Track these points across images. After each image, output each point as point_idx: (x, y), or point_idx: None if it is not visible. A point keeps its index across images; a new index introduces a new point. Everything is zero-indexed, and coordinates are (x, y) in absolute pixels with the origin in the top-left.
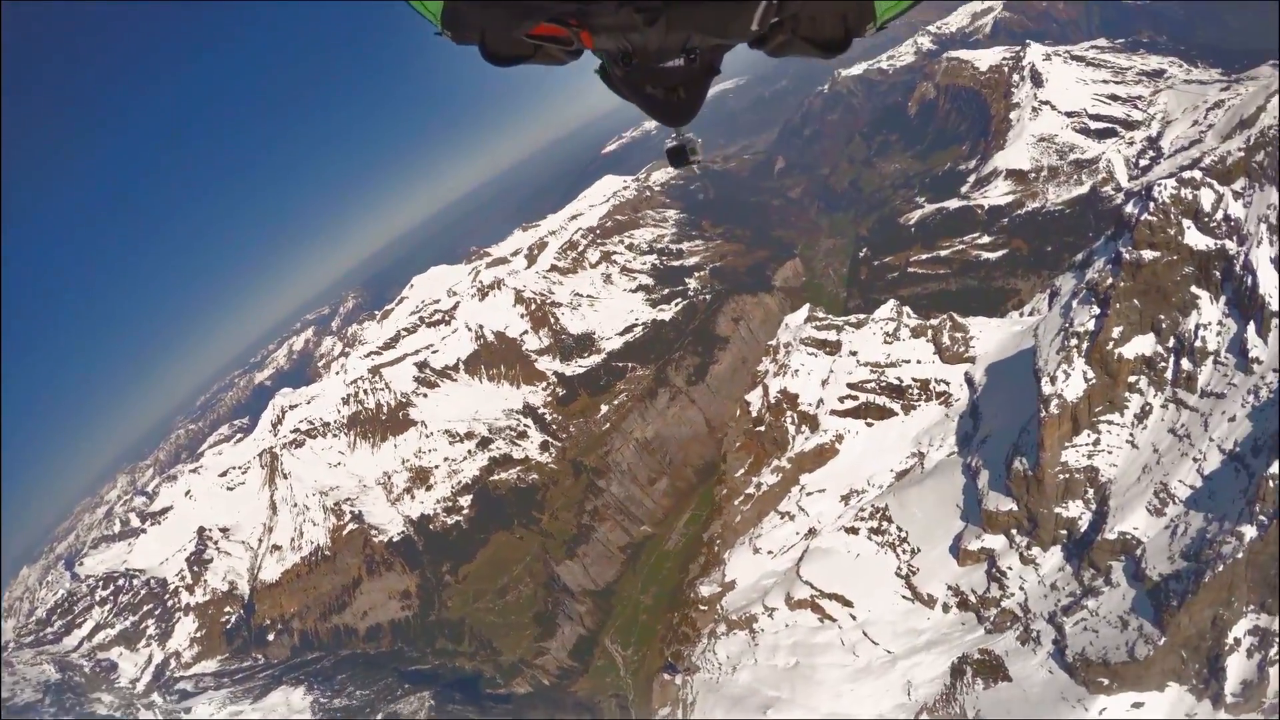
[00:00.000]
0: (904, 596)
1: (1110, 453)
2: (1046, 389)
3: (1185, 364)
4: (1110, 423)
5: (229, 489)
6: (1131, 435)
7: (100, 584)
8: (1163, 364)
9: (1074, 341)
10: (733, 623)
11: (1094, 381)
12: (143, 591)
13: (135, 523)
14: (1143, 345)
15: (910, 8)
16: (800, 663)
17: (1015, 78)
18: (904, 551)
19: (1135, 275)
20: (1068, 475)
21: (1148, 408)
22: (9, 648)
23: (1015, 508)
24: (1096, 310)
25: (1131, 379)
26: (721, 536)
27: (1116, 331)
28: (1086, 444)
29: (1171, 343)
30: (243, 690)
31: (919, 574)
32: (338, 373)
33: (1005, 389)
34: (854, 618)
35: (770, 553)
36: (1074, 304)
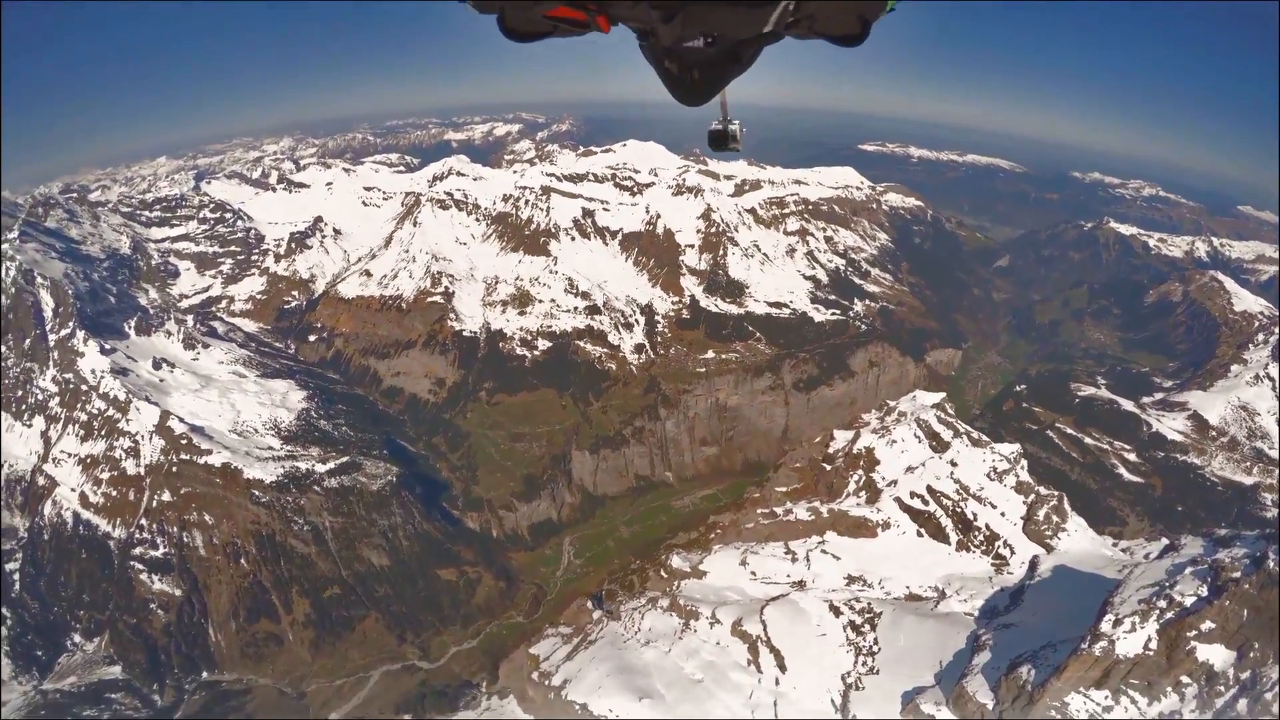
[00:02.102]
0: (833, 701)
1: None
2: (1104, 626)
3: (1242, 705)
4: (1134, 703)
5: (364, 204)
6: None
7: (211, 206)
8: (1221, 686)
9: (1162, 604)
10: (677, 606)
11: (1151, 654)
12: (240, 234)
13: (273, 180)
14: (1218, 656)
15: None
16: (704, 682)
17: (1260, 337)
18: (864, 664)
19: (1264, 590)
20: (1061, 717)
21: (1177, 716)
22: (109, 204)
23: (990, 706)
24: (1205, 592)
25: (1184, 679)
26: (724, 529)
27: (1206, 625)
28: (1099, 703)
29: (1246, 675)
30: (258, 361)
31: (861, 693)
32: (515, 172)
33: (1059, 597)
34: (778, 682)
35: (753, 574)
36: (1187, 570)
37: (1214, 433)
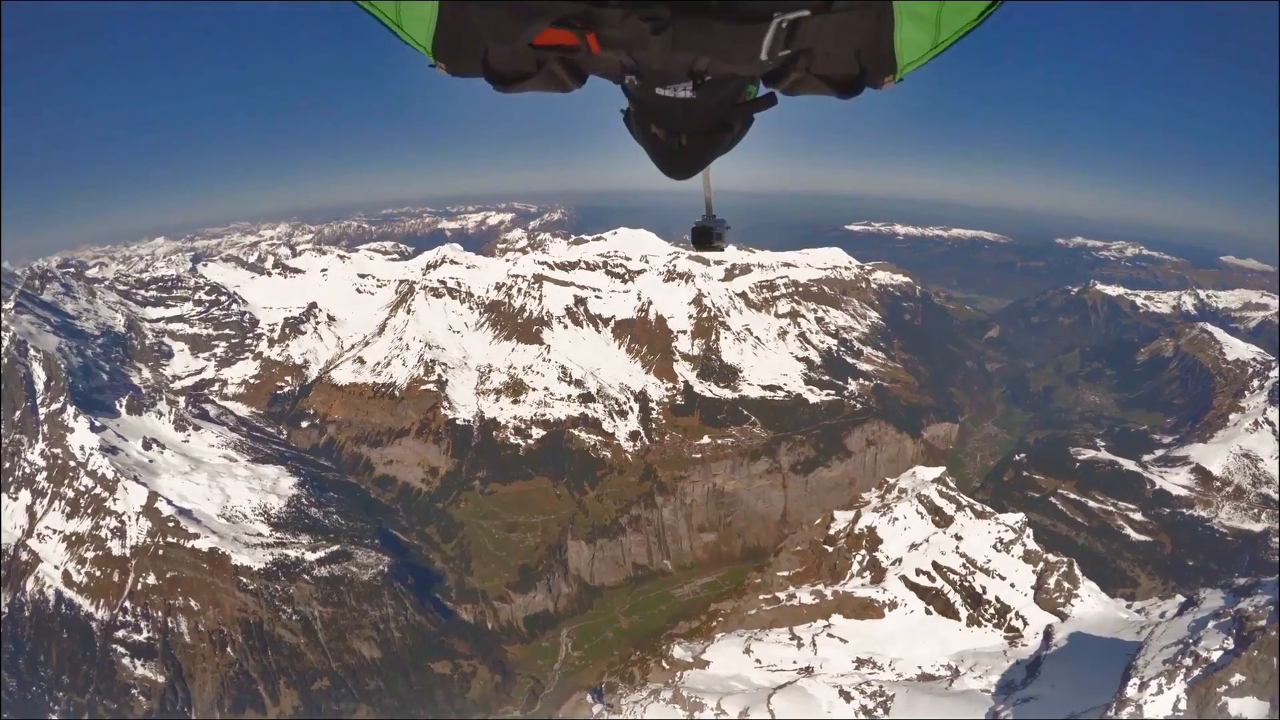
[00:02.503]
0: None
1: None
2: (1130, 692)
3: None
4: None
5: (358, 291)
6: None
7: (208, 289)
8: None
9: (1188, 662)
10: (680, 698)
11: (1181, 715)
12: (235, 318)
13: (269, 264)
14: (1251, 709)
15: (932, 58)
16: None
17: (1255, 383)
18: None
19: None
20: None
21: None
22: (105, 281)
23: None
24: (1231, 645)
25: None
26: (726, 617)
27: (1236, 680)
28: None
29: None
30: (250, 446)
31: None
32: (508, 261)
33: (1078, 666)
34: None
35: (758, 661)
36: (1210, 625)
37: (1218, 483)
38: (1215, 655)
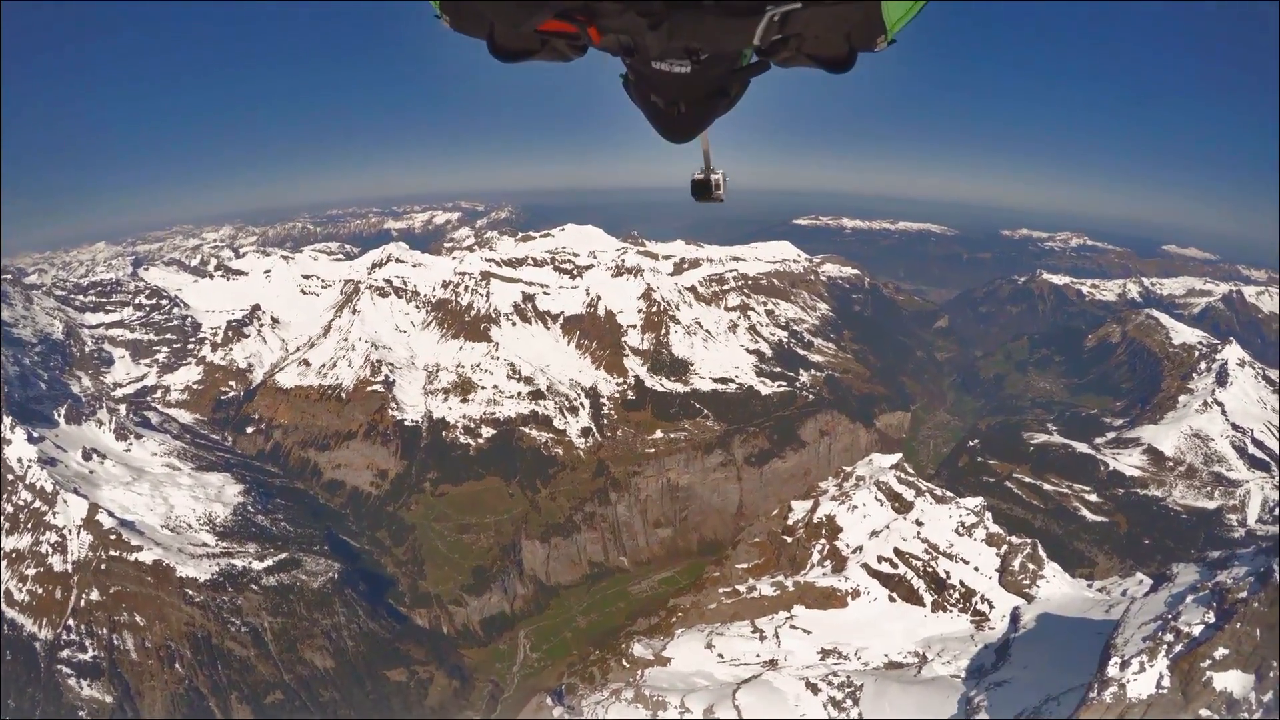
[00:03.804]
0: None
1: None
2: (1112, 671)
3: None
4: None
5: (303, 292)
6: None
7: (148, 293)
8: (1244, 713)
9: (1169, 638)
10: (642, 697)
11: (1166, 692)
12: (176, 322)
13: (211, 267)
14: (1236, 683)
15: (919, 9)
16: None
17: (1202, 365)
18: None
19: (1274, 606)
20: None
21: None
22: (43, 287)
23: None
24: (1212, 618)
25: (1204, 713)
26: (685, 612)
27: (1219, 654)
28: None
29: (1269, 697)
30: (193, 454)
31: None
32: (455, 259)
33: (1048, 647)
34: None
35: (721, 656)
36: (1189, 599)
37: (1171, 463)
38: (1196, 630)
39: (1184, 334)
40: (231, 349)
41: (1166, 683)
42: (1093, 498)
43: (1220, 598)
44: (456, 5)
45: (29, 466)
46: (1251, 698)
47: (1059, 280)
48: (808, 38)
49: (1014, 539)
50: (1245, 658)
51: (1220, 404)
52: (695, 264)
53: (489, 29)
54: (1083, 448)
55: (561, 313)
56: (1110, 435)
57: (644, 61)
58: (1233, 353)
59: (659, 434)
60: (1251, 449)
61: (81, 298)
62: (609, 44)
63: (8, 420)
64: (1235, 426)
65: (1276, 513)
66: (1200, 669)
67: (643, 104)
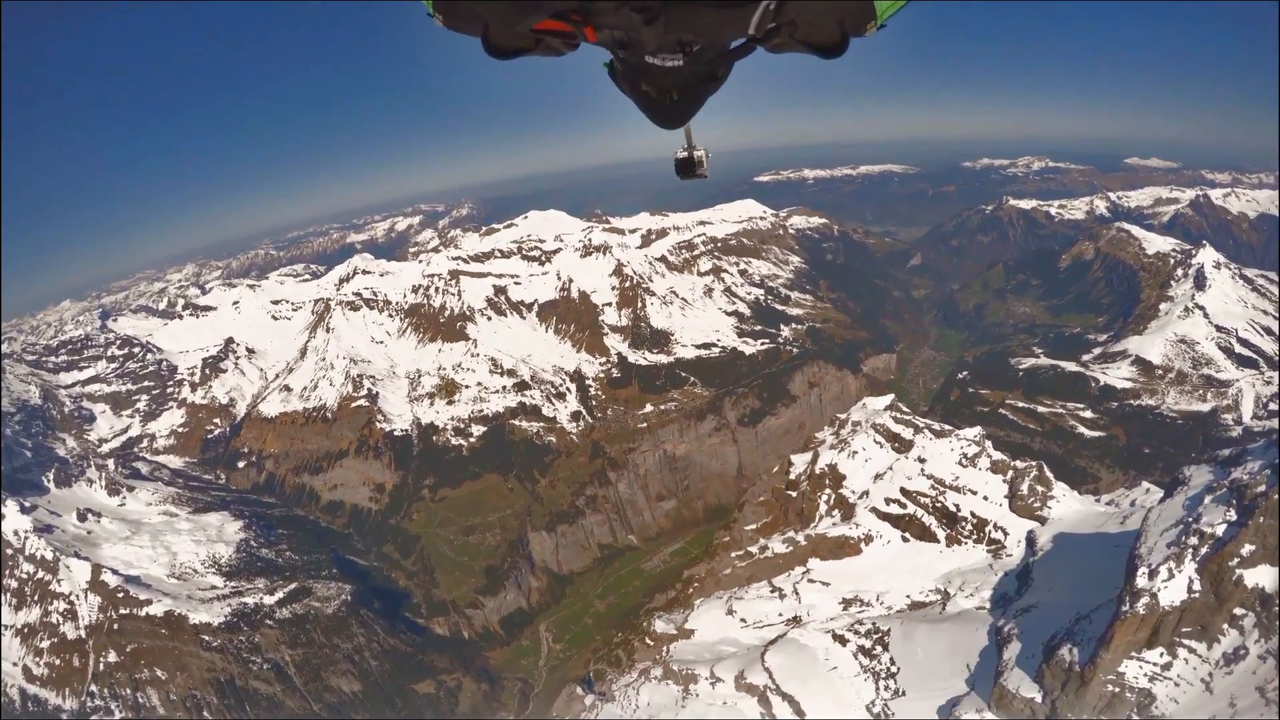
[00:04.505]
0: None
1: (1178, 684)
2: (1141, 582)
3: None
4: (1193, 651)
5: (274, 318)
6: (1210, 675)
7: (119, 343)
8: (1278, 607)
9: (1193, 541)
10: (671, 673)
11: (1198, 595)
12: (152, 368)
13: (179, 308)
14: (1267, 578)
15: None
16: None
17: (1179, 272)
18: (887, 689)
19: None
20: (1119, 688)
21: (1242, 651)
22: (13, 354)
23: (1038, 699)
24: (1234, 516)
25: (1239, 611)
26: (701, 582)
27: (1246, 549)
28: (1156, 663)
29: None
30: (188, 497)
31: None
32: (422, 262)
33: (1069, 565)
34: None
35: (743, 620)
36: (1207, 500)
37: (1160, 371)
38: (1220, 529)
39: (1157, 243)
40: (211, 386)
41: (1197, 586)
42: (1088, 414)
43: (1239, 494)
44: (451, 5)
45: (26, 537)
46: None
47: (1026, 205)
48: (801, 25)
49: (1019, 463)
50: (1272, 551)
51: (1201, 307)
52: (663, 233)
53: (484, 28)
54: (1071, 366)
55: (535, 301)
56: (1097, 351)
57: (637, 55)
58: (1208, 255)
59: (649, 408)
60: (1238, 348)
61: (54, 359)
62: (604, 40)
63: None
64: (1219, 328)
65: (1276, 405)
66: (1229, 568)
67: (633, 93)
